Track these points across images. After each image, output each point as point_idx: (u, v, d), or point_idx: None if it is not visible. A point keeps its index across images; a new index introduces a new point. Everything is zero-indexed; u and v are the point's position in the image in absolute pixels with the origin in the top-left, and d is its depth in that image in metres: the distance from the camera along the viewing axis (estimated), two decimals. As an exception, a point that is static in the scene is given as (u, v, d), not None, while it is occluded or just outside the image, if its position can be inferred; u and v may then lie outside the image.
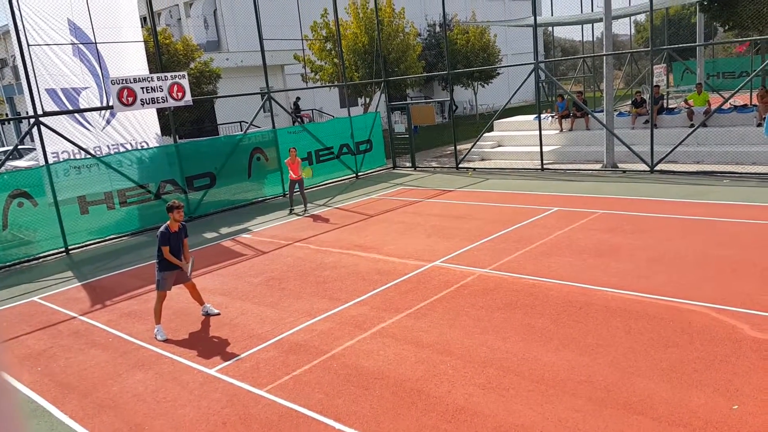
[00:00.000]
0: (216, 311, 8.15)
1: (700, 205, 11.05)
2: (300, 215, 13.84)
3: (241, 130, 17.18)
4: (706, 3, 19.37)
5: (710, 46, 30.37)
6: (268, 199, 16.18)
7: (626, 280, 7.72)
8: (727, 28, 20.81)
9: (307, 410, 5.47)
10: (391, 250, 10.19)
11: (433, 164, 19.78)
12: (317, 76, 23.52)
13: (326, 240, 11.41)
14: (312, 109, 29.06)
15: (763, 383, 5.12)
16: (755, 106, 16.22)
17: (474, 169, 17.79)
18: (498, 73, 31.12)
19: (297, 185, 14.05)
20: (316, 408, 5.49)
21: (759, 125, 14.81)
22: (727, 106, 15.66)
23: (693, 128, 14.73)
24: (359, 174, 18.63)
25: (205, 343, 7.24)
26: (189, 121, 20.56)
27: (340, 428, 5.15)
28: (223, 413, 5.60)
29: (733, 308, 6.60)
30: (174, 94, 13.13)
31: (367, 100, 23.34)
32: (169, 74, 13.19)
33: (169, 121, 14.86)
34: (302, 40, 23.11)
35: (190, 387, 6.18)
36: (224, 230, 13.14)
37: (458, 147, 18.46)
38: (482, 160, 19.17)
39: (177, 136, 14.77)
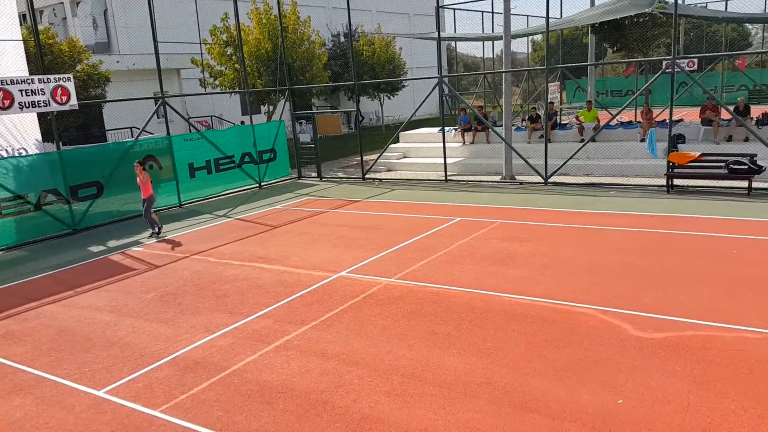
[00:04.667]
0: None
1: (589, 215, 11.75)
2: (158, 237, 12.59)
3: (133, 137, 16.37)
4: (596, 26, 20.81)
5: (600, 65, 32.57)
6: (162, 209, 15.46)
7: (522, 286, 8.04)
8: (615, 49, 22.46)
9: (206, 429, 5.24)
10: (296, 262, 10.04)
11: (340, 174, 19.78)
12: (217, 82, 22.88)
13: (226, 252, 11.05)
14: (211, 116, 28.23)
15: (644, 378, 5.48)
16: (639, 122, 17.55)
17: (380, 179, 17.97)
18: (403, 86, 31.73)
19: (146, 203, 12.50)
20: (215, 426, 5.27)
21: (642, 140, 16.04)
22: (614, 122, 16.85)
23: (583, 143, 15.69)
24: (263, 184, 18.27)
25: (93, 364, 6.75)
26: (74, 126, 19.29)
27: (240, 446, 4.97)
28: (113, 437, 5.24)
29: (618, 310, 7.04)
30: (57, 98, 12.27)
31: (271, 108, 23.01)
32: (52, 76, 12.30)
33: (51, 126, 13.86)
34: (200, 43, 22.40)
35: (76, 411, 5.74)
36: (113, 243, 12.40)
37: (365, 158, 18.58)
38: (388, 171, 19.41)
39: (60, 143, 13.79)
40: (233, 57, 21.88)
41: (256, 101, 23.94)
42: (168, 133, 15.68)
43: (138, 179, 12.25)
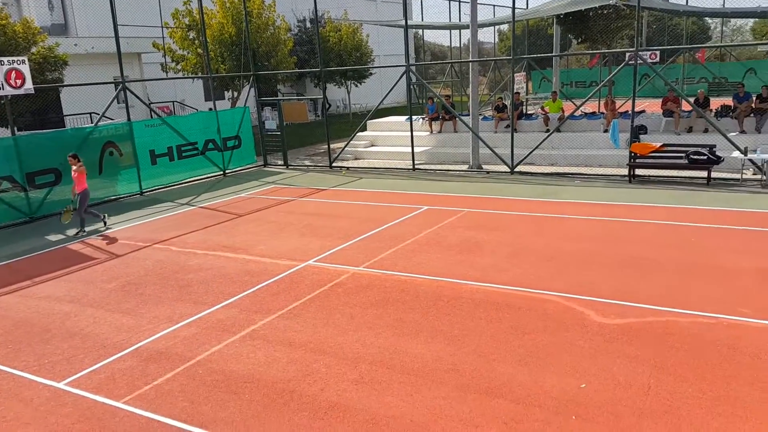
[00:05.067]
0: None
1: (554, 204, 11.92)
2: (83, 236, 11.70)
3: (92, 122, 15.89)
4: (562, 17, 21.06)
5: (565, 57, 32.98)
6: (123, 197, 15.13)
7: (489, 274, 8.12)
8: (579, 40, 22.77)
9: (171, 419, 5.17)
10: (262, 251, 9.93)
11: (306, 162, 19.62)
12: (179, 67, 22.41)
13: (190, 241, 10.86)
14: (173, 102, 27.63)
15: (606, 363, 5.61)
16: (603, 113, 17.83)
17: (347, 168, 17.88)
18: (371, 73, 31.58)
19: (79, 197, 11.68)
20: (180, 417, 5.20)
21: (605, 131, 16.32)
22: (578, 113, 17.07)
23: (548, 133, 15.87)
24: (227, 172, 17.99)
25: (52, 356, 6.56)
26: (30, 111, 18.60)
27: (205, 436, 4.91)
28: (75, 429, 5.11)
29: (582, 296, 7.18)
30: (12, 81, 11.82)
31: (235, 94, 22.65)
32: (5, 59, 11.84)
33: (5, 110, 13.35)
34: (162, 27, 21.84)
35: (34, 403, 5.57)
36: (72, 232, 12.03)
37: (332, 146, 18.44)
38: (356, 159, 19.33)
39: (15, 128, 13.30)
40: (196, 41, 21.41)
41: (219, 87, 23.50)
42: (129, 119, 15.29)
43: (73, 172, 11.68)
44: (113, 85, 16.06)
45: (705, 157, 12.83)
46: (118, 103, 15.77)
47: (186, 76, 22.23)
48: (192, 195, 15.18)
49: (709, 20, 38.63)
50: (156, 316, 7.48)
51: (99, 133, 14.62)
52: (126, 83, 14.95)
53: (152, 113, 17.22)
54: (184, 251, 10.20)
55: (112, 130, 15.00)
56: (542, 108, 18.79)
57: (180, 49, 21.92)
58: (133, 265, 9.61)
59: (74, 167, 11.68)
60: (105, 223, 12.26)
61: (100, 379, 5.96)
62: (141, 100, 16.92)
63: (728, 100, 16.21)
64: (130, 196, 15.29)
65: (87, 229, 11.97)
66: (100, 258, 10.16)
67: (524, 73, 25.97)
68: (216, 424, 5.05)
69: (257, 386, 5.63)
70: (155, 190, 15.92)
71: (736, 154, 12.95)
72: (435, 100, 19.58)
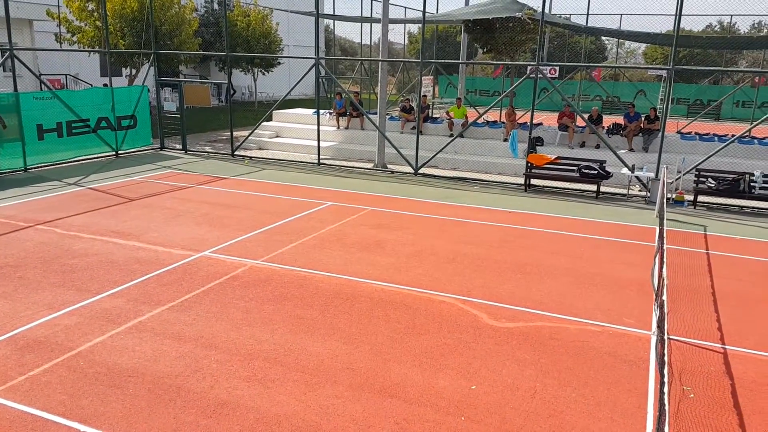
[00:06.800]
0: None
1: (454, 207, 12.29)
2: None
3: (-29, 89, 14.48)
4: (470, 25, 21.69)
5: (471, 65, 34.02)
6: (5, 173, 13.93)
7: (389, 273, 8.24)
8: (485, 50, 23.54)
9: (47, 413, 4.84)
10: (155, 238, 9.47)
11: (207, 149, 18.93)
12: (75, 38, 20.99)
13: (76, 224, 10.16)
14: (66, 75, 25.82)
15: (496, 365, 5.85)
16: (503, 123, 18.58)
17: (250, 157, 17.46)
18: (279, 63, 31.04)
19: None
20: (57, 410, 4.87)
21: (505, 140, 17.01)
22: (481, 120, 17.68)
23: (452, 138, 16.33)
24: (120, 152, 17.00)
25: None
26: None
27: (85, 431, 4.63)
28: (-73, 428, 4.63)
29: (476, 299, 7.45)
30: None
31: (134, 71, 21.50)
32: None
33: None
34: (58, -5, 20.37)
35: None
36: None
37: (235, 133, 17.92)
38: (260, 149, 18.92)
39: None
40: (95, 13, 20.12)
41: (117, 63, 22.21)
42: (15, 90, 14.12)
43: None
44: (-1, 52, 14.80)
45: (595, 172, 13.71)
46: (4, 71, 14.53)
47: (82, 49, 20.90)
48: (81, 175, 14.21)
49: (606, 41, 41.34)
50: (35, 302, 6.94)
51: (-20, 102, 13.39)
52: (14, 51, 13.79)
53: (42, 85, 15.98)
54: (69, 234, 9.53)
55: (-4, 100, 13.79)
56: (447, 113, 19.30)
57: (77, 20, 20.60)
58: (12, 246, 8.86)
59: None
60: None
61: (-38, 371, 5.45)
62: (30, 71, 15.69)
63: (619, 119, 17.30)
64: (12, 172, 14.12)
65: None
66: (-31, 237, 9.27)
67: (432, 77, 26.54)
68: (96, 419, 4.78)
69: (142, 381, 5.37)
70: (41, 167, 14.80)
71: (624, 170, 13.91)
72: (343, 96, 19.56)
